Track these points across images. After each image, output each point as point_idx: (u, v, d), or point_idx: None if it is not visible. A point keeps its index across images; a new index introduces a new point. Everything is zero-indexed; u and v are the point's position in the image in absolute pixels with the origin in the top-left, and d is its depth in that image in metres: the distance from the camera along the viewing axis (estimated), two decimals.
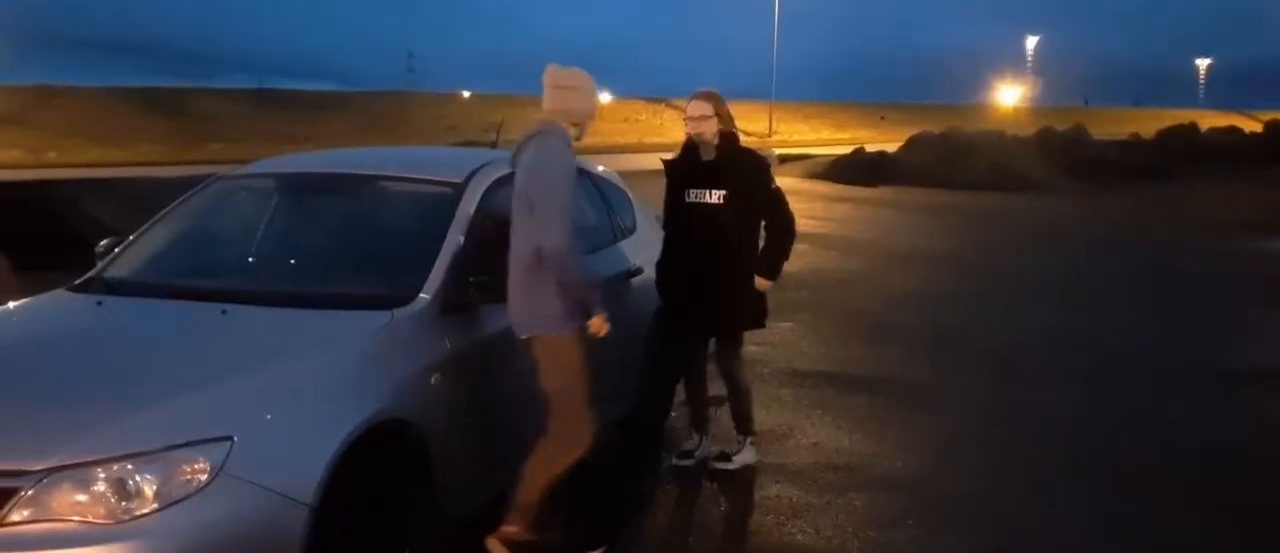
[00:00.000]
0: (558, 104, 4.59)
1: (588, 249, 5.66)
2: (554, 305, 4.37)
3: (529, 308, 4.42)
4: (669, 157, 5.86)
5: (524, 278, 4.40)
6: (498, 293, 4.51)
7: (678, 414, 6.27)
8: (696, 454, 5.87)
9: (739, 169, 5.57)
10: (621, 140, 55.73)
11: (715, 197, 5.53)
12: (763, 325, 5.86)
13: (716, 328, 5.76)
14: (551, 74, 4.61)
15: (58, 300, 4.68)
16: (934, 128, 36.74)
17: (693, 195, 5.59)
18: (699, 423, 5.98)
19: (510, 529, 4.48)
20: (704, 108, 5.56)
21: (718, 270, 5.51)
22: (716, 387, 5.99)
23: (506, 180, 5.18)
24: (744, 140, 5.85)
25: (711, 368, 5.93)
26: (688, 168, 5.68)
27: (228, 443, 3.35)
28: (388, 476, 3.88)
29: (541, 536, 4.53)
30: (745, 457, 5.81)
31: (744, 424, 5.89)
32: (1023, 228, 19.55)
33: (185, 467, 3.28)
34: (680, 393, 6.19)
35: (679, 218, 5.68)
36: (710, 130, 5.56)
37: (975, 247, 16.54)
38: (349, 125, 58.44)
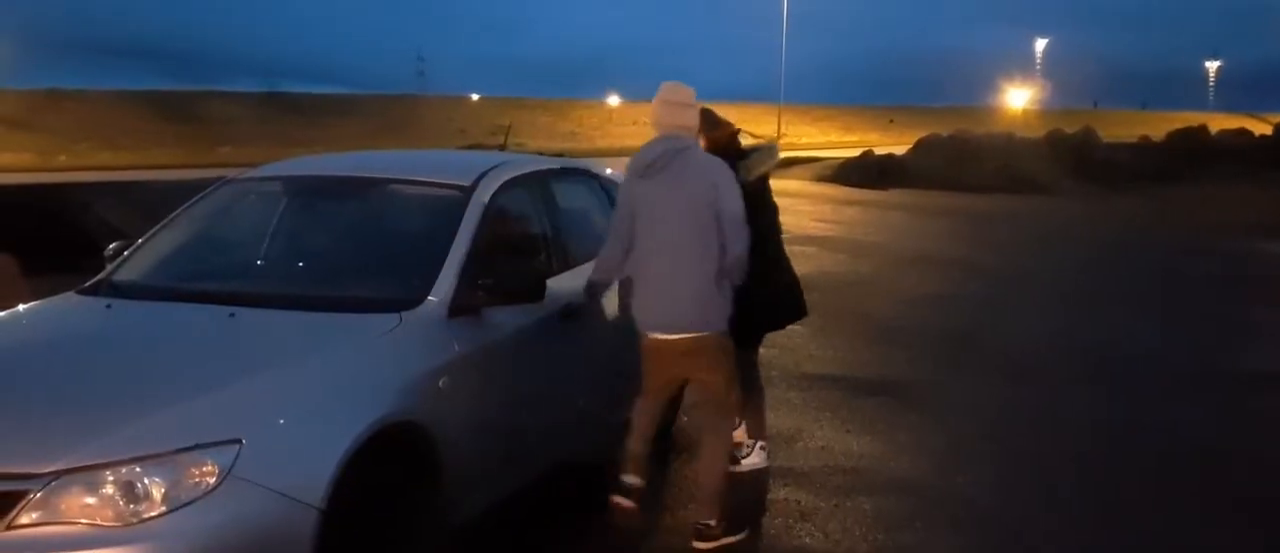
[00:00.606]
0: (677, 119, 4.88)
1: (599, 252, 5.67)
2: (727, 306, 4.83)
3: (703, 310, 4.77)
4: None
5: (701, 282, 4.73)
6: (506, 295, 4.51)
7: (689, 418, 6.26)
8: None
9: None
10: (631, 143, 55.78)
11: None
12: (766, 333, 5.87)
13: None
14: (672, 91, 4.91)
15: (67, 303, 4.69)
16: (943, 130, 36.76)
17: None
18: None
19: (710, 523, 4.81)
20: None
21: None
22: None
23: (515, 183, 5.20)
24: (748, 141, 5.85)
25: None
26: None
27: (236, 446, 3.34)
28: (396, 478, 3.87)
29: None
30: (754, 460, 5.80)
31: (755, 428, 5.87)
32: (1031, 230, 19.54)
33: (193, 470, 3.27)
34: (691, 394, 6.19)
35: None
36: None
37: (983, 249, 16.50)
38: (358, 128, 58.61)
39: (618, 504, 4.88)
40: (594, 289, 5.16)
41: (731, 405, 5.06)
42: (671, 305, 4.77)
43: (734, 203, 4.75)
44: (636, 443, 5.00)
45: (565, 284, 5.13)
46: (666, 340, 4.82)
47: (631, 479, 4.93)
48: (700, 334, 4.78)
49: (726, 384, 4.95)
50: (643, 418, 5.01)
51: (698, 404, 5.20)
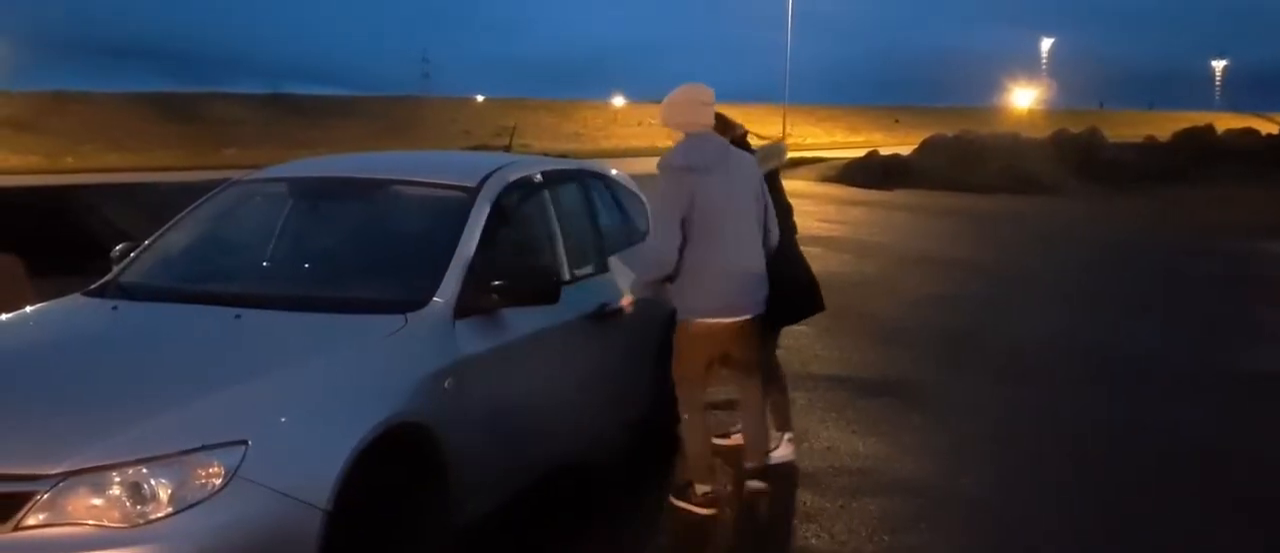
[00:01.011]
0: (699, 118, 5.18)
1: (607, 251, 5.69)
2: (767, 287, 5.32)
3: (763, 291, 5.28)
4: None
5: (761, 266, 5.26)
6: (518, 297, 4.52)
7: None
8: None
9: None
10: (636, 143, 55.81)
11: None
12: (783, 326, 5.91)
13: None
14: (695, 91, 5.21)
15: (73, 305, 4.70)
16: (948, 131, 36.75)
17: None
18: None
19: (756, 464, 5.41)
20: None
21: None
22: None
23: (521, 184, 5.22)
24: (757, 143, 5.89)
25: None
26: None
27: (242, 447, 3.36)
28: (401, 479, 3.89)
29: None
30: (783, 453, 5.80)
31: (780, 420, 5.88)
32: (1035, 231, 19.53)
33: (200, 471, 3.29)
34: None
35: None
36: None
37: (988, 249, 16.51)
38: (363, 130, 58.57)
39: (698, 511, 5.17)
40: (644, 287, 5.37)
41: (758, 369, 5.49)
42: (741, 289, 5.16)
43: (768, 192, 5.32)
44: (703, 454, 5.29)
45: (578, 287, 5.16)
46: (730, 324, 5.16)
47: (704, 488, 5.22)
48: (756, 315, 5.25)
49: (757, 359, 5.44)
50: (696, 432, 5.29)
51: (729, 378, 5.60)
